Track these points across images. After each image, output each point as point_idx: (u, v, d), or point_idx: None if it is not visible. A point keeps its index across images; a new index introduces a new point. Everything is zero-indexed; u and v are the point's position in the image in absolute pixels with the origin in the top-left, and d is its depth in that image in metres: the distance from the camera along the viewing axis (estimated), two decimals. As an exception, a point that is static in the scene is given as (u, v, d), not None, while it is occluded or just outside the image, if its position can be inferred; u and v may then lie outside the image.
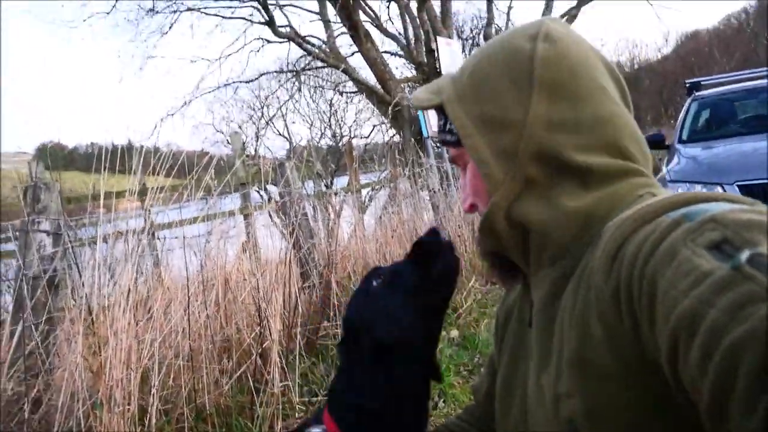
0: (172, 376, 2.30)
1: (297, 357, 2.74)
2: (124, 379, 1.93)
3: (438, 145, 7.97)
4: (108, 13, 11.24)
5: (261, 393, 2.49)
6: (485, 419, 1.08)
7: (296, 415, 2.55)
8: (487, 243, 0.84)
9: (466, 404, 3.19)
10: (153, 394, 2.05)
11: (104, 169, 2.45)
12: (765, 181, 4.25)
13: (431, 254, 0.99)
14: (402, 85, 11.40)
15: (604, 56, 0.80)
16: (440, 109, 0.85)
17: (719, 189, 4.45)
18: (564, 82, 0.74)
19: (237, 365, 2.60)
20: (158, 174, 2.75)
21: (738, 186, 4.35)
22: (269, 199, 4.87)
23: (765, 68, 7.22)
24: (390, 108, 7.29)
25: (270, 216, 3.70)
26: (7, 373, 1.90)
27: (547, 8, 13.12)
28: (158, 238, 2.82)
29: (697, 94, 6.73)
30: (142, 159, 2.70)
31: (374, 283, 1.05)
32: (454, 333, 3.93)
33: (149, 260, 2.94)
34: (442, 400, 3.04)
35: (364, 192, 8.22)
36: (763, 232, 0.49)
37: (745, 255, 0.47)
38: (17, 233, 2.00)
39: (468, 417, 1.12)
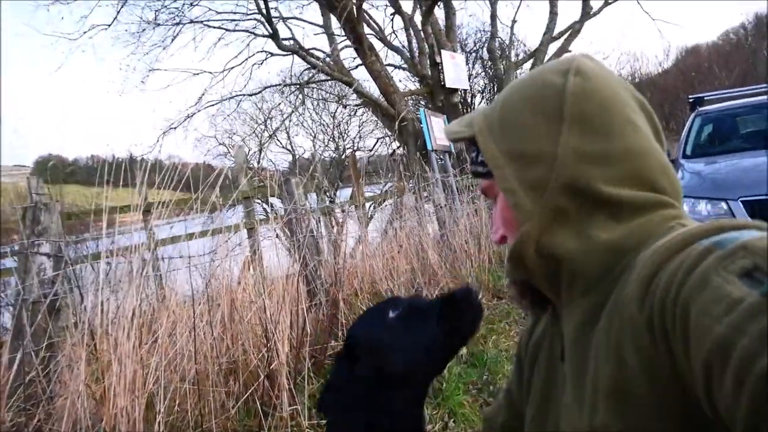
0: (177, 401, 2.23)
1: (306, 378, 2.66)
2: (128, 407, 1.86)
3: (441, 158, 7.93)
4: (109, 26, 11.25)
5: (269, 417, 2.42)
6: None
7: (305, 440, 2.47)
8: (516, 273, 0.83)
9: (476, 424, 3.12)
10: (159, 421, 1.97)
11: (106, 184, 2.40)
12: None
13: (461, 313, 1.03)
14: (406, 98, 11.40)
15: (636, 92, 0.81)
16: (473, 142, 0.86)
17: (723, 204, 4.46)
18: (595, 116, 0.75)
19: (244, 388, 2.53)
20: (161, 188, 2.70)
21: (742, 202, 4.38)
22: (275, 215, 4.82)
23: (767, 84, 7.32)
24: (396, 122, 7.25)
25: (276, 234, 3.63)
26: (7, 402, 1.83)
27: (551, 22, 13.14)
28: (162, 258, 2.75)
29: (700, 109, 6.82)
30: (146, 173, 2.65)
31: (391, 314, 1.06)
32: (462, 350, 3.85)
33: (153, 280, 2.87)
34: (452, 420, 2.98)
35: (367, 205, 8.17)
36: None
37: None
38: (16, 256, 1.93)
39: None
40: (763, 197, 4.30)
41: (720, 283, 0.52)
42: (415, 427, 1.09)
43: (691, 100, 7.34)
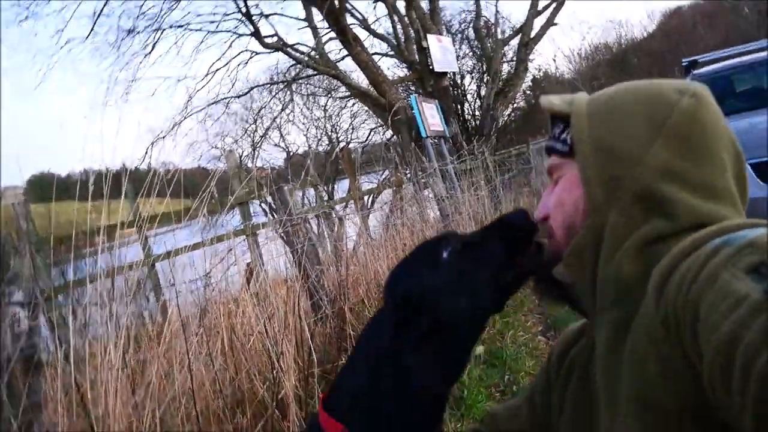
0: (180, 446, 2.05)
1: (317, 400, 2.49)
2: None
3: (437, 142, 7.72)
4: (87, 38, 10.96)
5: (281, 451, 2.25)
6: None
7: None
8: (570, 268, 0.81)
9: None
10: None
11: (98, 197, 2.24)
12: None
13: (521, 240, 0.92)
14: (396, 86, 11.18)
15: (738, 145, 0.79)
16: (560, 119, 0.87)
17: None
18: (693, 139, 0.75)
19: (253, 420, 2.35)
20: (154, 196, 2.53)
21: (750, 165, 4.12)
22: (272, 217, 4.65)
23: (759, 42, 7.38)
24: (389, 114, 7.07)
25: (280, 237, 3.42)
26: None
27: (536, -5, 12.87)
28: (149, 292, 2.57)
29: (694, 72, 6.82)
30: (144, 186, 2.48)
31: (444, 255, 0.93)
32: (480, 350, 3.69)
33: (147, 305, 2.69)
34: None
35: (366, 198, 7.96)
36: None
37: None
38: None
39: None
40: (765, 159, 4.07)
41: (728, 279, 0.52)
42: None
43: (685, 64, 7.32)
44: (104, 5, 10.42)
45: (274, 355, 2.34)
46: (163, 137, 12.40)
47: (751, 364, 0.45)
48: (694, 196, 0.73)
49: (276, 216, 3.69)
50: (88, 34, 10.78)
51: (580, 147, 0.80)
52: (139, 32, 11.06)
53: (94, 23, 10.63)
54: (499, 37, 15.25)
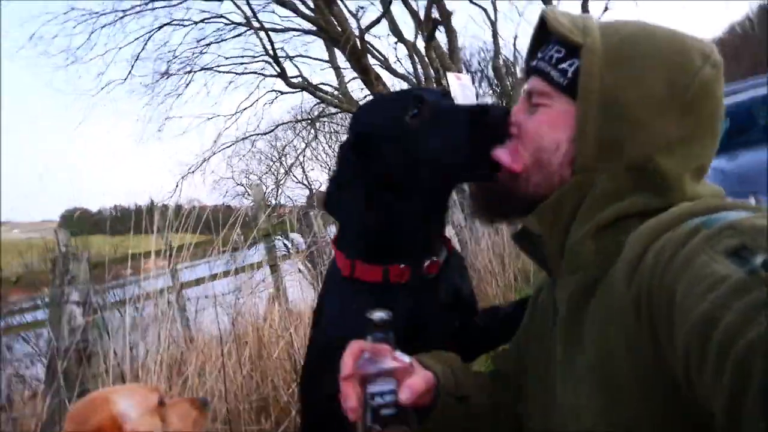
0: (210, 442, 2.20)
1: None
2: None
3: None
4: (124, 80, 11.56)
5: (303, 453, 2.38)
6: (501, 392, 1.00)
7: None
8: (542, 221, 0.77)
9: None
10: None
11: (130, 231, 2.44)
12: None
13: (491, 136, 0.86)
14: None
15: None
16: (560, 41, 0.78)
17: (752, 200, 4.27)
18: (704, 115, 0.73)
19: (276, 425, 2.50)
20: (182, 231, 2.74)
21: None
22: (297, 250, 4.84)
23: None
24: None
25: (299, 269, 3.63)
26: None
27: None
28: (188, 299, 2.78)
29: None
30: (167, 220, 2.70)
31: (407, 118, 0.96)
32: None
33: (180, 318, 2.89)
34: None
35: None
36: None
37: (760, 259, 0.47)
38: (47, 308, 1.96)
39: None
40: None
41: (706, 261, 0.51)
42: (425, 242, 1.04)
43: None
44: (141, 50, 11.01)
45: (299, 363, 2.50)
46: (193, 172, 12.86)
47: (730, 345, 0.43)
48: (690, 177, 0.72)
49: (298, 251, 3.90)
50: (126, 77, 11.36)
51: (586, 96, 0.73)
52: (172, 74, 11.61)
53: (132, 66, 11.21)
54: (519, 75, 15.53)
